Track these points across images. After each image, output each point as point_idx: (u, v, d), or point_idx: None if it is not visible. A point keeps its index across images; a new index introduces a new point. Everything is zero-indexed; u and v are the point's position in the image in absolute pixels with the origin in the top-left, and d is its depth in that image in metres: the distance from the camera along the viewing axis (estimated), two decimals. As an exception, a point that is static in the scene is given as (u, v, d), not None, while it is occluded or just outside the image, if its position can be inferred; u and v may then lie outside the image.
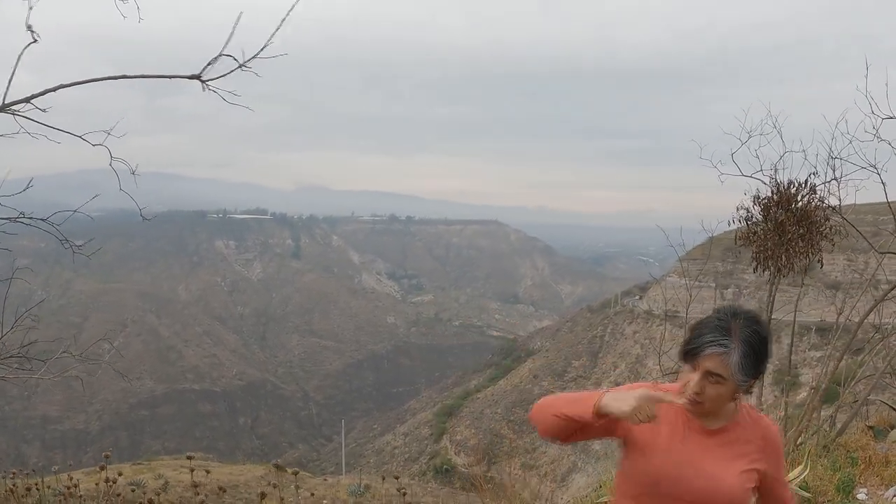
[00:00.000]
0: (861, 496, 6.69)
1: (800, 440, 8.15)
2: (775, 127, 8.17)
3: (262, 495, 5.55)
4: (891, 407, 9.25)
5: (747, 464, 2.57)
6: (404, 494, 6.59)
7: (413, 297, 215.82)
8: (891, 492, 6.56)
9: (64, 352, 5.93)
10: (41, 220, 4.75)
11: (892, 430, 8.38)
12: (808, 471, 5.88)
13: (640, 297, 79.13)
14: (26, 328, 5.72)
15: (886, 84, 7.22)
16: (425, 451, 72.25)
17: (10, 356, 5.52)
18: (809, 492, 6.31)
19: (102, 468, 6.39)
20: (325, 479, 28.88)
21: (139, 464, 28.94)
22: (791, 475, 5.58)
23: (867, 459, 7.36)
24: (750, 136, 8.19)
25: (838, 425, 9.05)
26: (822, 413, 9.96)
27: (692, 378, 2.45)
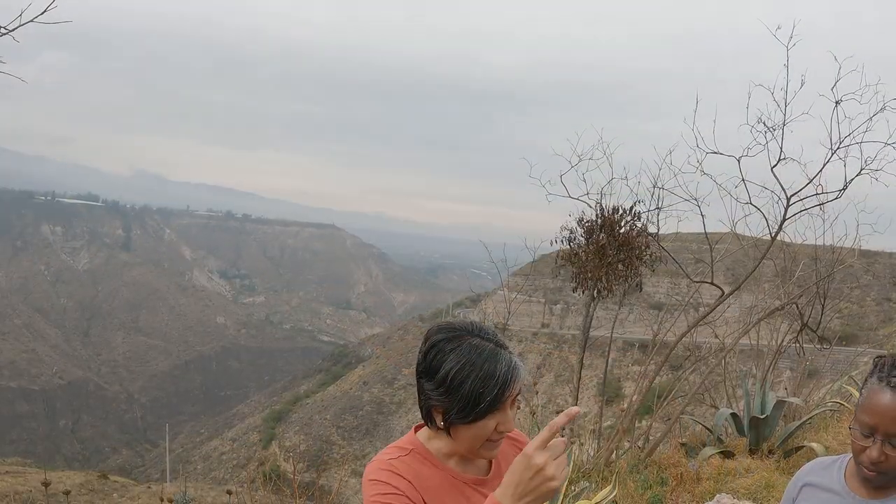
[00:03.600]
0: (671, 514, 7.12)
1: (612, 458, 8.56)
2: (605, 153, 8.54)
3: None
4: (703, 425, 9.62)
5: None
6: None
7: (244, 297, 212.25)
8: None
9: None
10: None
11: (703, 447, 8.54)
12: (616, 490, 5.86)
13: (472, 309, 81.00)
14: None
15: (714, 120, 7.89)
16: (254, 457, 71.68)
17: None
18: (619, 511, 6.66)
19: None
20: (150, 487, 28.41)
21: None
22: (600, 495, 5.45)
23: (679, 476, 7.31)
24: (580, 160, 8.48)
25: (652, 442, 9.37)
26: (642, 425, 10.92)
27: (502, 420, 1.99)
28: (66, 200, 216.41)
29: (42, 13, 3.27)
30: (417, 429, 2.18)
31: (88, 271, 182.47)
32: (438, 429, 2.04)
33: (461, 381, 1.93)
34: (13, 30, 3.35)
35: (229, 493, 7.07)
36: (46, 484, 6.91)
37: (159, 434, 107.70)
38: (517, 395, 1.99)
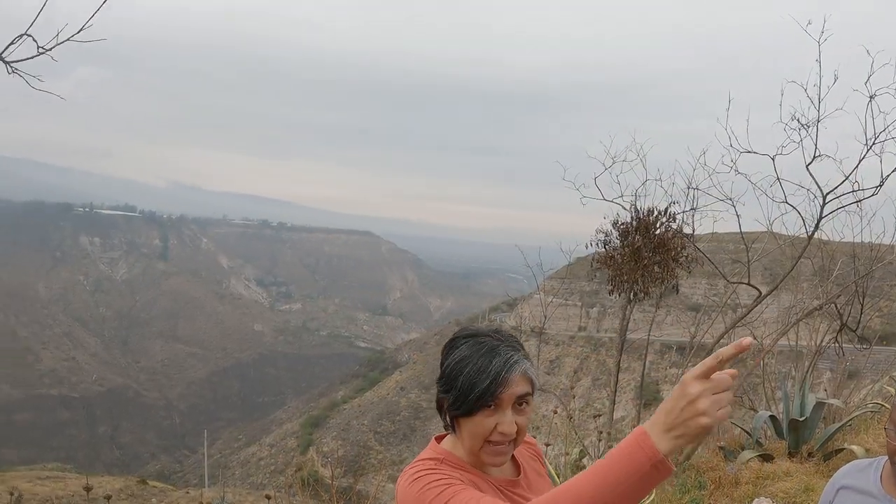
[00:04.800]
0: (709, 518, 6.95)
1: None
2: (638, 155, 8.52)
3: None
4: (741, 428, 9.39)
5: None
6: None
7: (281, 304, 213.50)
8: None
9: None
10: None
11: (742, 450, 8.27)
12: (653, 495, 5.96)
13: (508, 313, 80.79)
14: None
15: (748, 119, 7.80)
16: (291, 462, 71.98)
17: None
18: (657, 516, 6.57)
19: None
20: (188, 492, 28.49)
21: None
22: (642, 501, 5.59)
23: (717, 480, 7.28)
24: (614, 162, 8.47)
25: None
26: None
27: (501, 420, 1.94)
28: (103, 212, 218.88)
29: (79, 31, 3.27)
30: (439, 439, 2.14)
31: (127, 281, 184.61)
32: (449, 429, 2.03)
33: (457, 373, 1.93)
34: (50, 49, 3.35)
35: (268, 497, 7.02)
36: (88, 489, 6.89)
37: (197, 440, 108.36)
38: (522, 396, 1.94)
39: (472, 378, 1.90)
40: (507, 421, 1.93)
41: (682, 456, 8.60)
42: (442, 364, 2.01)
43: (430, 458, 2.02)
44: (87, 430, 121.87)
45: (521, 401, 1.94)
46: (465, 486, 1.89)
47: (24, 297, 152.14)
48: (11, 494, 20.11)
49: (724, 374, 1.57)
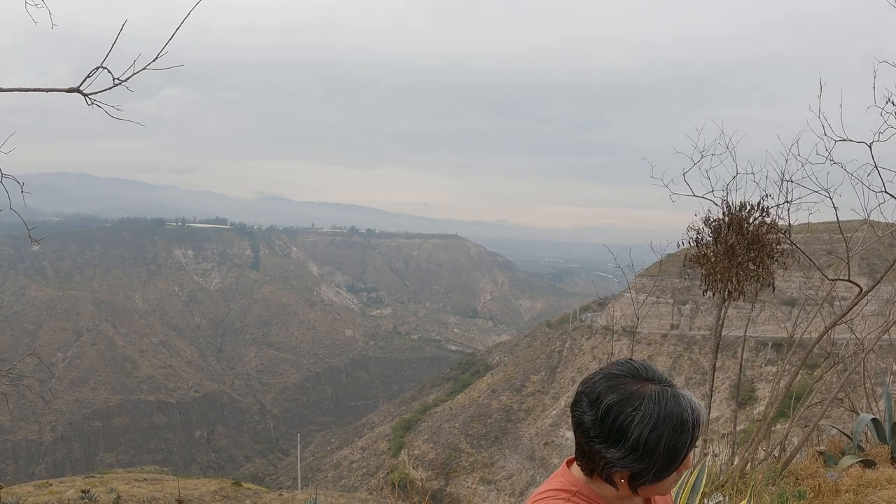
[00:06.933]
0: (809, 527, 6.44)
1: (748, 468, 8.04)
2: (728, 148, 8.14)
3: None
4: (841, 431, 8.97)
5: None
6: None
7: (372, 310, 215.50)
8: None
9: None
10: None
11: (843, 456, 7.96)
12: None
13: (599, 313, 79.79)
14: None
15: (841, 105, 7.25)
16: (383, 465, 72.25)
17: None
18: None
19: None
20: (281, 494, 28.58)
21: (92, 476, 28.33)
22: None
23: (817, 488, 6.99)
24: (702, 156, 8.16)
25: (788, 449, 8.91)
26: (776, 430, 10.03)
27: (686, 460, 1.87)
28: (196, 225, 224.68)
29: (154, 60, 3.37)
30: (569, 463, 1.99)
31: (220, 290, 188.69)
32: (597, 475, 1.89)
33: (655, 441, 1.78)
34: (127, 80, 3.45)
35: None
36: (181, 501, 6.54)
37: (291, 443, 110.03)
38: None
39: (673, 441, 1.78)
40: (687, 459, 1.85)
41: (780, 464, 8.18)
42: (610, 432, 1.79)
43: (563, 490, 1.90)
44: (183, 434, 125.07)
45: None
46: None
47: (122, 309, 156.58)
48: (112, 494, 20.35)
49: None
